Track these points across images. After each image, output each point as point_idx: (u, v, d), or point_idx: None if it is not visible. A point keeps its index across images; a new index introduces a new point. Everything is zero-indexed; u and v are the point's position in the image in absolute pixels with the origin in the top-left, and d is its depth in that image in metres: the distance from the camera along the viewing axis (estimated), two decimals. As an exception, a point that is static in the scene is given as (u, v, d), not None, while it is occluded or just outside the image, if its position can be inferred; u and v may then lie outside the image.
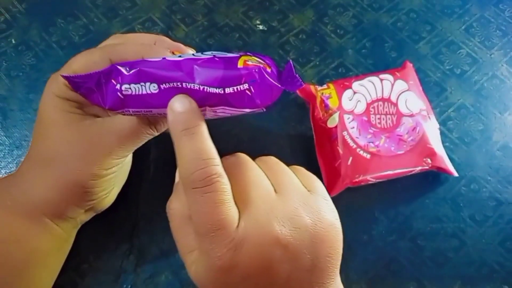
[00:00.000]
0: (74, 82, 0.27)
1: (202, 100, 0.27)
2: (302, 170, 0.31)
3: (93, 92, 0.27)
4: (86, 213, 0.35)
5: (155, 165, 0.42)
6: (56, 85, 0.31)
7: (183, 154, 0.27)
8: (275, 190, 0.28)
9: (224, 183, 0.26)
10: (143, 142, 0.33)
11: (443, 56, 0.49)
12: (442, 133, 0.44)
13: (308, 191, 0.29)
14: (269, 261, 0.26)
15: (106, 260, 0.38)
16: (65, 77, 0.27)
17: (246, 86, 0.27)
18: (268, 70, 0.28)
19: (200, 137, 0.27)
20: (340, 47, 0.49)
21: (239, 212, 0.27)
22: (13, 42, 0.47)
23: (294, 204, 0.28)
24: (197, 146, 0.26)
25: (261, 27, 0.49)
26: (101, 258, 0.38)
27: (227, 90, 0.27)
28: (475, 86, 0.47)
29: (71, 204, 0.33)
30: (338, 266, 0.29)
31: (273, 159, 0.31)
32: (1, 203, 0.32)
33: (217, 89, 0.27)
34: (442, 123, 0.45)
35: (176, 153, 0.27)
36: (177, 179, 0.31)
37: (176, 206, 0.30)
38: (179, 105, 0.27)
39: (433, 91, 0.47)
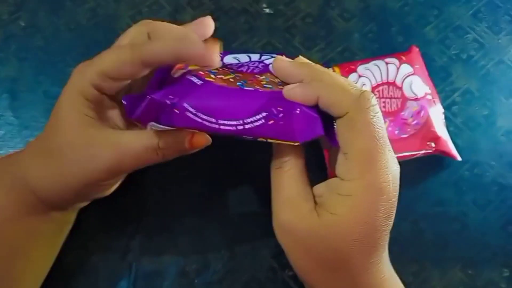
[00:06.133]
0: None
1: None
2: None
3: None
4: (83, 202, 0.35)
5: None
6: (81, 82, 0.31)
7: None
8: None
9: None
10: (144, 166, 0.32)
11: (450, 41, 0.49)
12: (446, 118, 0.44)
13: None
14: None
15: (113, 239, 0.39)
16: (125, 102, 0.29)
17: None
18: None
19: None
20: (346, 31, 0.49)
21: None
22: (22, 24, 0.48)
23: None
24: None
25: (267, 10, 0.49)
26: (108, 236, 0.39)
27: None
28: (481, 71, 0.47)
29: (65, 202, 0.33)
30: None
31: None
32: (1, 181, 0.32)
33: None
34: (447, 107, 0.45)
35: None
36: None
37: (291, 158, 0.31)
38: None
39: (438, 75, 0.47)
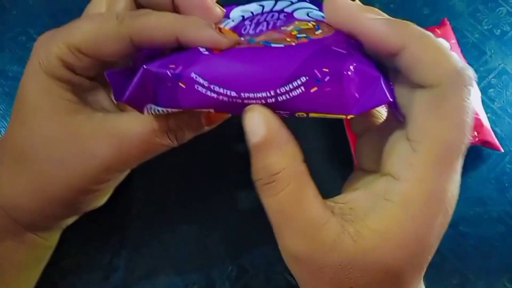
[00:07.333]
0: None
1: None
2: None
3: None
4: (72, 218, 0.28)
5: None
6: (45, 57, 0.23)
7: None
8: None
9: None
10: (152, 155, 0.25)
11: (481, 14, 0.43)
12: (482, 102, 0.38)
13: None
14: None
15: (92, 255, 0.32)
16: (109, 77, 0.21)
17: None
18: None
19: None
20: (365, 1, 0.41)
21: None
22: (-30, -13, 0.39)
23: None
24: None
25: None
26: (86, 252, 0.32)
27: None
28: (517, 49, 0.42)
29: (51, 218, 0.26)
30: None
31: None
32: None
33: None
34: (483, 91, 0.39)
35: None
36: None
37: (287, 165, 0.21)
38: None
39: (471, 54, 0.41)
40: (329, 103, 0.21)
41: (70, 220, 0.28)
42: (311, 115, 0.21)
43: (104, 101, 0.26)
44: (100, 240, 0.32)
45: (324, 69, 0.20)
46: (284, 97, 0.21)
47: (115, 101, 0.27)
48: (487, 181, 0.36)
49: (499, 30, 0.42)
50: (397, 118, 0.22)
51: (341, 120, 0.36)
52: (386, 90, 0.20)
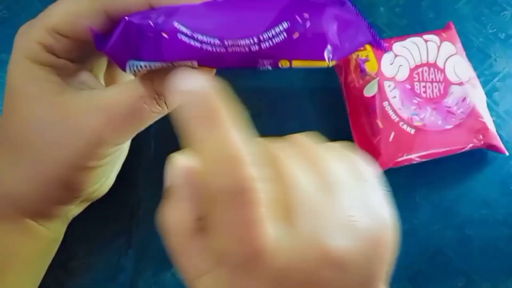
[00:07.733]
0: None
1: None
2: (338, 148, 0.22)
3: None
4: (77, 207, 0.28)
5: (157, 140, 0.35)
6: (26, 44, 0.23)
7: (201, 151, 0.18)
8: (317, 187, 0.19)
9: (263, 191, 0.18)
10: (145, 124, 0.25)
11: (486, 18, 0.43)
12: (487, 106, 0.38)
13: (356, 179, 0.21)
14: (317, 285, 0.18)
15: (99, 255, 0.32)
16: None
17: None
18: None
19: (225, 126, 0.18)
20: (370, 4, 0.42)
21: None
22: (-20, -9, 0.40)
23: (345, 203, 0.19)
24: (221, 140, 0.18)
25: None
26: (94, 252, 0.32)
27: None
28: (522, 52, 0.42)
29: (54, 203, 0.26)
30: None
31: (305, 141, 0.22)
32: None
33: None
34: (487, 94, 0.39)
35: (192, 147, 0.19)
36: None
37: (176, 217, 0.20)
38: (190, 82, 0.18)
39: (476, 57, 0.41)
40: (311, 49, 0.21)
41: (75, 210, 0.28)
42: (294, 63, 0.22)
43: (90, 82, 0.26)
44: (108, 240, 0.32)
45: (305, 15, 0.21)
46: (267, 44, 0.21)
47: (102, 83, 0.27)
48: (492, 184, 0.36)
49: (503, 34, 0.42)
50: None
51: (346, 113, 0.36)
52: (365, 33, 0.21)
